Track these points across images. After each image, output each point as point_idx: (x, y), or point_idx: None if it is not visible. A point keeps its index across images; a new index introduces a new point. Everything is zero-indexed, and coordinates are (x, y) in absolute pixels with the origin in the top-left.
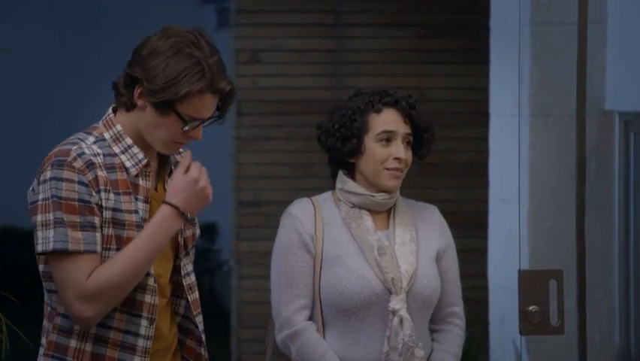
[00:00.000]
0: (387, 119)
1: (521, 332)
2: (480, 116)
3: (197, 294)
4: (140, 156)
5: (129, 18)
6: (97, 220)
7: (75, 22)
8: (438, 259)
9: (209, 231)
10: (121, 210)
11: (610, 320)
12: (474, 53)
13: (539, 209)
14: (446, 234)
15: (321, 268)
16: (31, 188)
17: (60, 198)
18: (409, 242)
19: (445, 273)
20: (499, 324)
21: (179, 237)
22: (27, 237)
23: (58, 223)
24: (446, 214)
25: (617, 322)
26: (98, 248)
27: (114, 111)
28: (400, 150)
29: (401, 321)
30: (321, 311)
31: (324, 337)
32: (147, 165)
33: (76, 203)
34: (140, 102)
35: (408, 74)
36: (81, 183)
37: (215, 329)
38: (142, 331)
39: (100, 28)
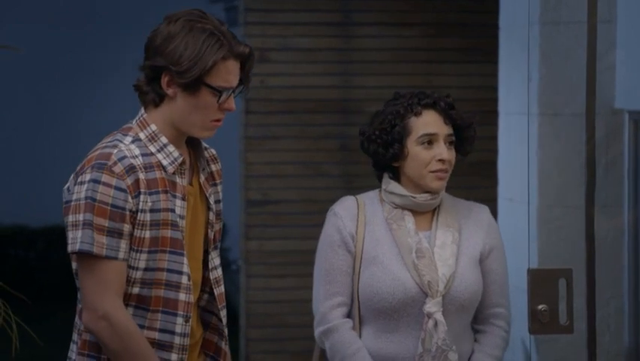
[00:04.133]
0: (428, 122)
1: (530, 331)
2: (489, 116)
3: (222, 288)
4: (176, 154)
5: (132, 18)
6: (126, 228)
7: (76, 22)
8: (481, 260)
9: None
10: (158, 210)
11: (619, 320)
12: (483, 52)
13: (548, 208)
14: (492, 235)
15: (360, 267)
16: (66, 187)
17: (94, 200)
18: (450, 244)
19: (489, 274)
20: None
21: (210, 231)
22: (36, 236)
23: (87, 225)
24: None
25: (627, 322)
26: (120, 255)
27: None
28: (442, 151)
29: (436, 324)
30: (359, 309)
31: (360, 334)
32: (183, 162)
33: (108, 208)
34: (169, 91)
35: (416, 73)
36: (118, 188)
37: None
38: (178, 329)
39: (101, 28)
